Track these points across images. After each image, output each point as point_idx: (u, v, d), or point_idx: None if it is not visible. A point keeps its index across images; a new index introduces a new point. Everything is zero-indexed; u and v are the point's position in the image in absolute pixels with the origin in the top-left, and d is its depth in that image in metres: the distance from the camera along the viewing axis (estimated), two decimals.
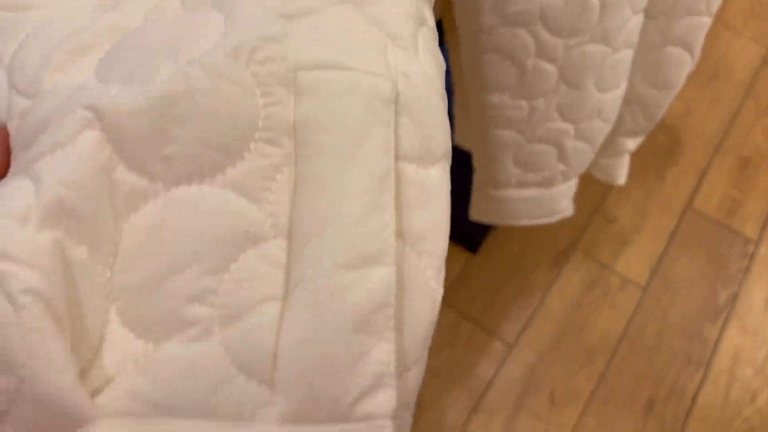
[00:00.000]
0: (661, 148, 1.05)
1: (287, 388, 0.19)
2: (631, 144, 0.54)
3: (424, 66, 0.23)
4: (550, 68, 0.45)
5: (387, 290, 0.19)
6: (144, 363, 0.19)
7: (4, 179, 0.19)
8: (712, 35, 1.18)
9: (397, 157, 0.21)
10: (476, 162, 0.55)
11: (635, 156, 1.03)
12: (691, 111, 1.09)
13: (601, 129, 0.50)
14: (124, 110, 0.19)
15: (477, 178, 0.56)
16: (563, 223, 1.01)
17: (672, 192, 1.01)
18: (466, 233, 0.91)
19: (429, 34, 0.24)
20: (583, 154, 0.51)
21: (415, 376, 0.21)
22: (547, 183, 0.53)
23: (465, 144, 0.57)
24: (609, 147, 0.55)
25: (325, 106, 0.20)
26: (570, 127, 0.49)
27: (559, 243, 0.96)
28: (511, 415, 0.82)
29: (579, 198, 1.02)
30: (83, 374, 0.18)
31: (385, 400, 0.19)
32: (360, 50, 0.21)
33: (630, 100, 0.51)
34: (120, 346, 0.19)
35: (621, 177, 0.58)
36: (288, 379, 0.19)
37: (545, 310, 0.89)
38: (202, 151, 0.20)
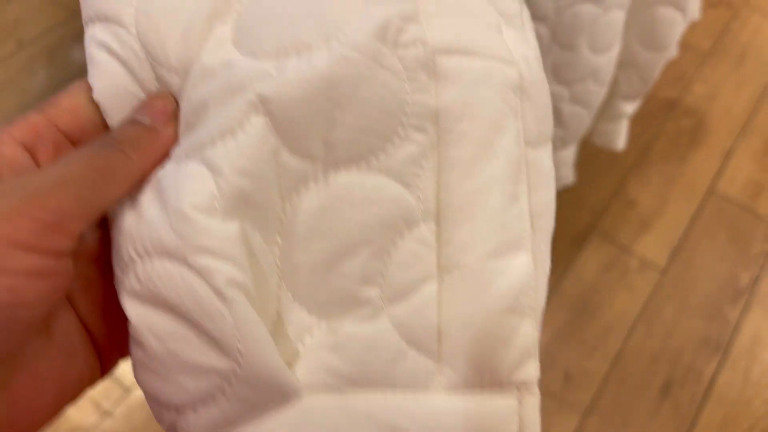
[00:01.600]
0: (684, 132, 1.04)
1: (453, 361, 0.20)
2: (628, 107, 0.54)
3: (531, 45, 0.24)
4: (542, 29, 0.46)
5: (528, 273, 0.21)
6: (328, 340, 0.20)
7: (174, 159, 0.20)
8: (740, 18, 1.16)
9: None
10: None
11: (656, 139, 1.02)
12: (716, 94, 1.07)
13: (597, 92, 0.50)
14: (290, 95, 0.19)
15: None
16: (581, 206, 1.00)
17: (694, 175, 1.00)
18: None
19: (527, 11, 0.25)
20: (579, 119, 0.52)
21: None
22: None
23: None
24: (606, 111, 0.55)
25: (464, 93, 0.21)
26: (564, 91, 0.49)
27: (577, 225, 0.95)
28: None
29: (598, 181, 1.02)
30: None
31: (532, 368, 0.21)
32: (485, 32, 0.22)
33: (624, 63, 0.51)
34: (295, 322, 0.21)
35: (619, 142, 0.58)
36: (453, 353, 0.20)
37: (561, 292, 0.89)
38: (359, 137, 0.20)
